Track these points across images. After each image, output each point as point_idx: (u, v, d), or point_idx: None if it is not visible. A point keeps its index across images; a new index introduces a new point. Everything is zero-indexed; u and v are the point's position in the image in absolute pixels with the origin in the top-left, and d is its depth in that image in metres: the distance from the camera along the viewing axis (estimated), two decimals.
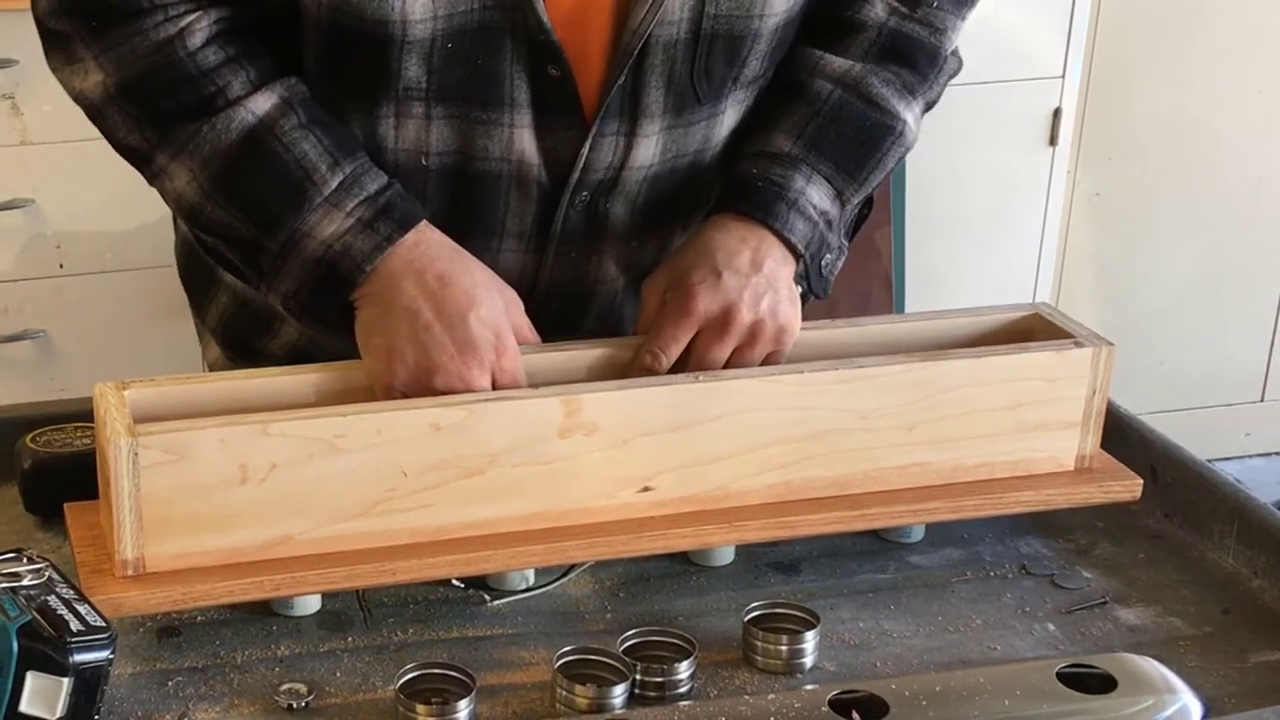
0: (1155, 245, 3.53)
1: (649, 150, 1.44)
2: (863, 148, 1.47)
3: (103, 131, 1.40)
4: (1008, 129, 3.23)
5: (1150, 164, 3.46)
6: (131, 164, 1.41)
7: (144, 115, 1.36)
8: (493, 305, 1.35)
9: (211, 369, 1.61)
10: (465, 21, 1.34)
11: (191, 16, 1.34)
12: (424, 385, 1.31)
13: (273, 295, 1.39)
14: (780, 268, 1.41)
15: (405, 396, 1.32)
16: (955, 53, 1.53)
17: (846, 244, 1.51)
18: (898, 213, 3.15)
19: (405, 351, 1.32)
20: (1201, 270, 3.57)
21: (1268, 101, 3.48)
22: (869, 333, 1.45)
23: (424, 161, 1.40)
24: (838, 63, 1.47)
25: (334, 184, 1.35)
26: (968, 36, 1.55)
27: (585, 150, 1.41)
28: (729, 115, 1.47)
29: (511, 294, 1.38)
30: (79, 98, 1.39)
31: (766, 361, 1.40)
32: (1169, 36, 3.37)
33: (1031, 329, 1.47)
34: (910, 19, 1.49)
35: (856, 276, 3.07)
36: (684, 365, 1.39)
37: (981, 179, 3.24)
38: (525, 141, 1.40)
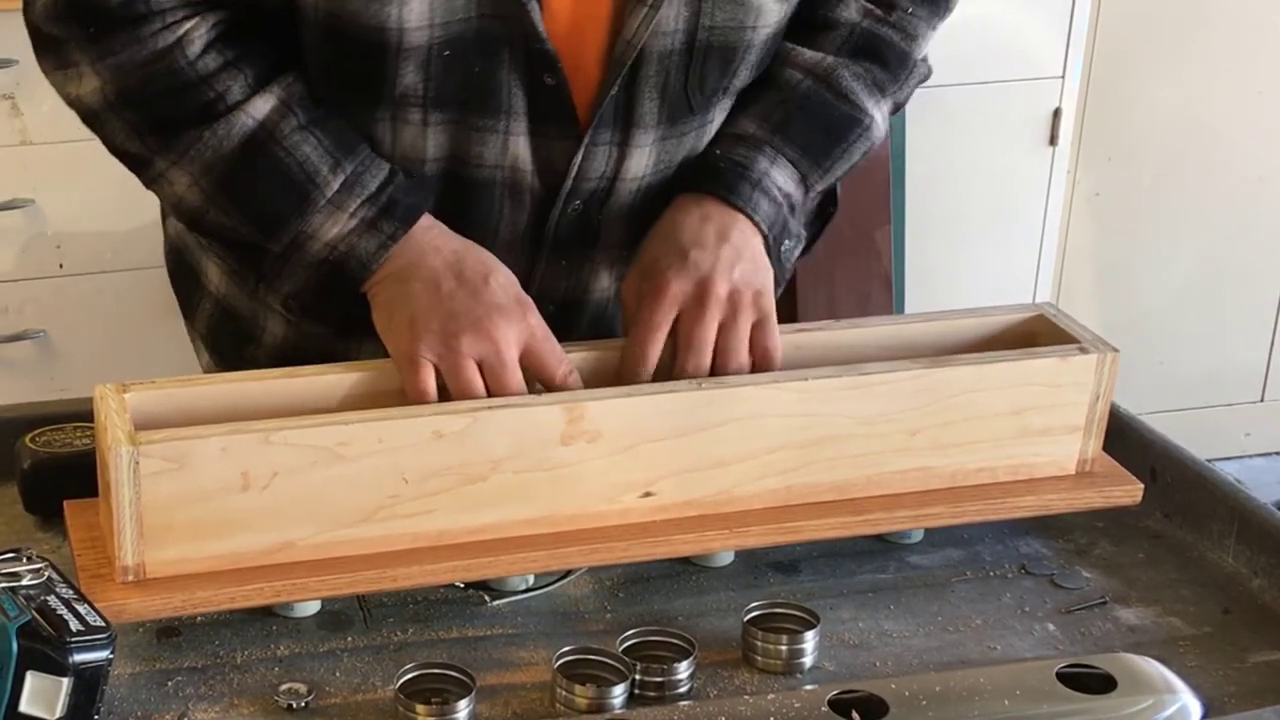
0: (1155, 245, 3.53)
1: (642, 161, 1.44)
2: (829, 137, 1.47)
3: (100, 137, 1.40)
4: (1008, 129, 3.23)
5: (1150, 164, 3.46)
6: (129, 168, 1.41)
7: (144, 123, 1.36)
8: (509, 274, 1.36)
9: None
10: (463, 29, 1.34)
11: (190, 24, 1.34)
12: (452, 349, 1.30)
13: (272, 296, 1.40)
14: (748, 238, 1.41)
15: (435, 366, 1.31)
16: (925, 59, 1.55)
17: (805, 234, 1.51)
18: (898, 213, 3.14)
19: (430, 319, 1.32)
20: (1201, 270, 3.56)
21: (1268, 101, 3.48)
22: (872, 334, 1.45)
23: (421, 168, 1.41)
24: (809, 54, 1.48)
25: (336, 185, 1.35)
26: (967, 36, 1.55)
27: (578, 159, 1.41)
28: (716, 123, 1.48)
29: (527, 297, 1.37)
30: (75, 104, 1.38)
31: (755, 337, 1.38)
32: (1169, 36, 3.37)
33: (1036, 332, 1.47)
34: (884, 23, 1.51)
35: (856, 276, 3.07)
36: (673, 367, 1.37)
37: (981, 179, 3.24)
38: (520, 148, 1.40)
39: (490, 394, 1.31)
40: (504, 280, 1.35)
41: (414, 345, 1.32)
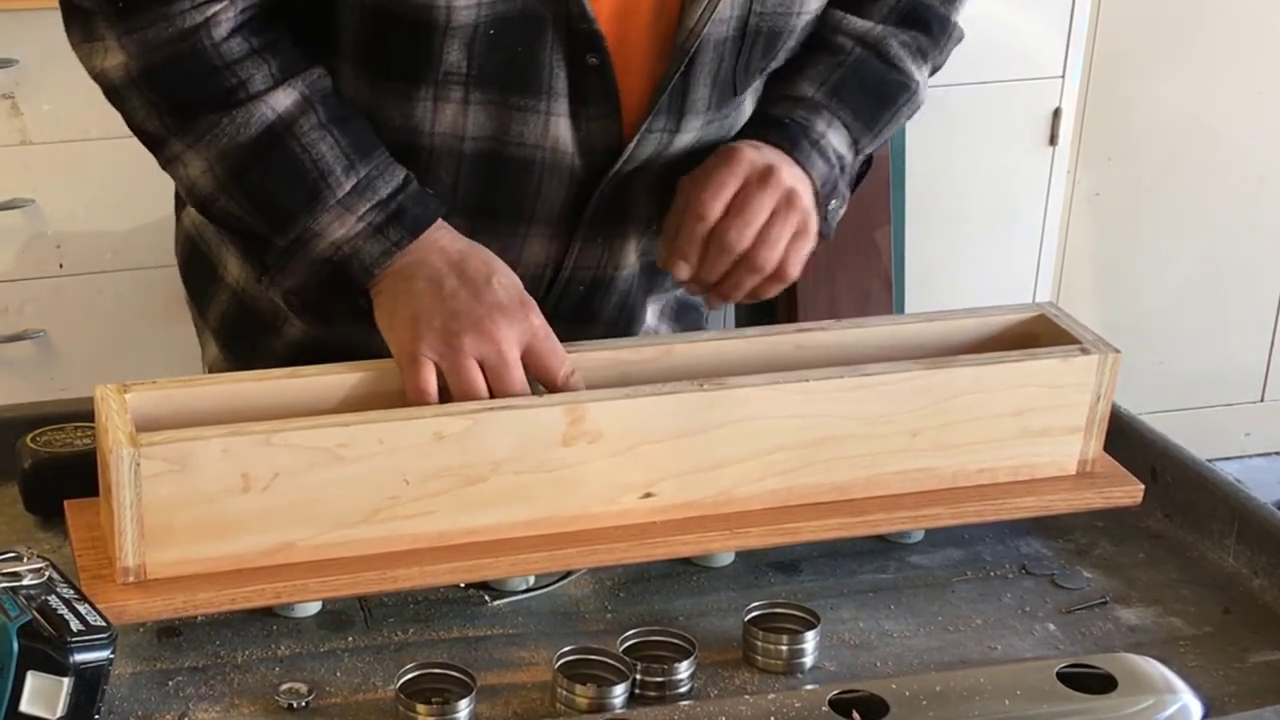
0: (1155, 245, 3.53)
1: (685, 142, 1.46)
2: (879, 101, 1.52)
3: (121, 113, 1.40)
4: (1008, 129, 3.23)
5: (1150, 164, 3.46)
6: (146, 146, 1.41)
7: (164, 102, 1.36)
8: (512, 275, 1.36)
9: (210, 369, 1.61)
10: (509, 9, 1.34)
11: (219, 6, 1.34)
12: (453, 348, 1.31)
13: (274, 289, 1.40)
14: (804, 177, 1.44)
15: (435, 364, 1.31)
16: (958, 23, 1.59)
17: (849, 194, 1.54)
18: (898, 212, 3.14)
19: (431, 317, 1.32)
20: (1201, 270, 3.57)
21: (1268, 101, 3.48)
22: (873, 334, 1.45)
23: (460, 145, 1.41)
24: (860, 23, 1.52)
25: (348, 187, 1.35)
26: (967, 37, 1.58)
27: (632, 145, 1.42)
28: (748, 102, 1.51)
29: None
30: (99, 76, 1.38)
31: (795, 245, 1.41)
32: (1169, 36, 3.38)
33: (1036, 332, 1.47)
34: None
35: (856, 276, 3.07)
36: (713, 232, 1.40)
37: (981, 179, 3.24)
38: (561, 129, 1.41)
39: (492, 394, 1.31)
40: (506, 280, 1.35)
41: (415, 344, 1.32)
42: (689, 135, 1.45)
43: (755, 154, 1.42)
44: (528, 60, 1.37)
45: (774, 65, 1.48)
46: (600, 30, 1.36)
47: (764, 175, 1.41)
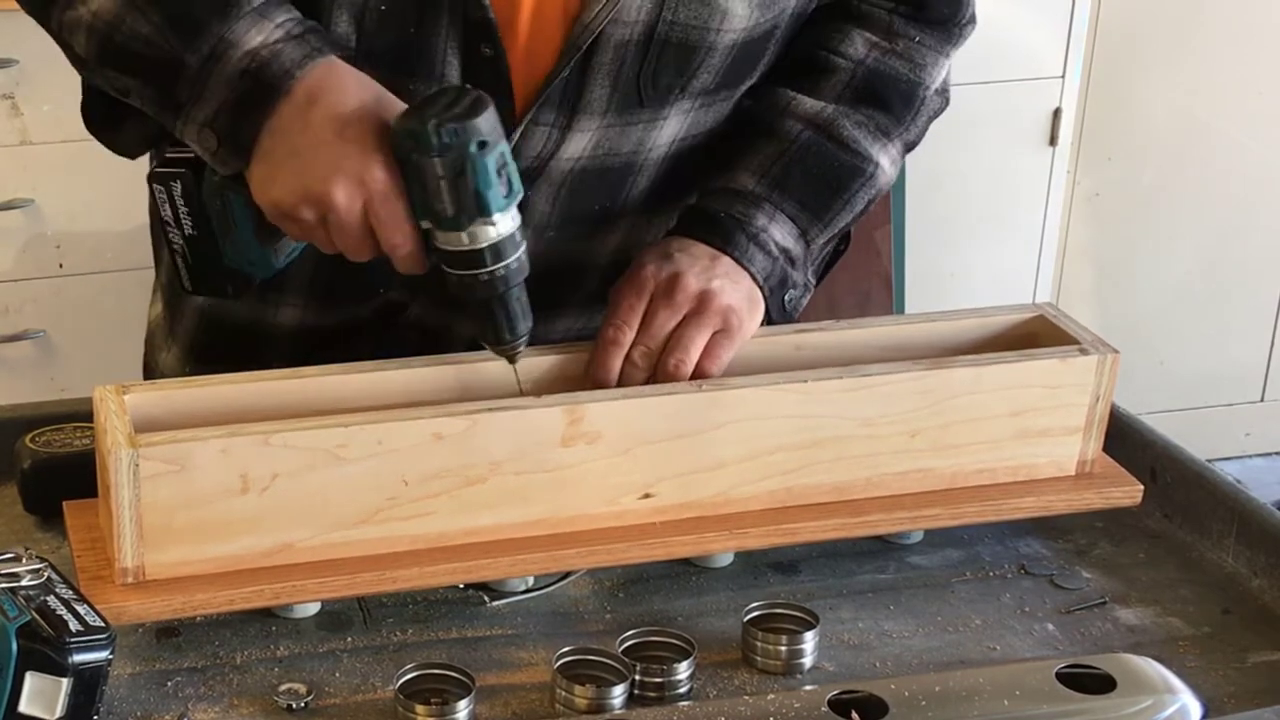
0: (1155, 245, 3.53)
1: (581, 144, 1.42)
2: (829, 188, 1.46)
3: None
4: (1008, 129, 3.23)
5: (1150, 164, 3.47)
6: (37, 16, 1.34)
7: None
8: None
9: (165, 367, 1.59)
10: None
11: None
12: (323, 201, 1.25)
13: (190, 128, 1.30)
14: (737, 272, 1.40)
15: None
16: (940, 91, 1.53)
17: (814, 282, 1.50)
18: (898, 212, 3.15)
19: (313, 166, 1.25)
20: (1201, 270, 3.57)
21: (1268, 101, 3.48)
22: (872, 334, 1.45)
23: None
24: (810, 104, 1.47)
25: None
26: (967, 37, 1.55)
27: (515, 138, 1.38)
28: (671, 122, 1.45)
29: None
30: None
31: (712, 347, 1.37)
32: (1169, 36, 3.38)
33: (1035, 332, 1.47)
34: (890, 53, 1.48)
35: (856, 276, 3.07)
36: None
37: (981, 179, 3.24)
38: None
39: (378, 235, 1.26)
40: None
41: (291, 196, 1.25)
42: (584, 135, 1.41)
43: (659, 266, 1.38)
44: (419, 43, 1.34)
45: (700, 85, 1.42)
46: (494, 19, 1.33)
47: (668, 288, 1.37)
